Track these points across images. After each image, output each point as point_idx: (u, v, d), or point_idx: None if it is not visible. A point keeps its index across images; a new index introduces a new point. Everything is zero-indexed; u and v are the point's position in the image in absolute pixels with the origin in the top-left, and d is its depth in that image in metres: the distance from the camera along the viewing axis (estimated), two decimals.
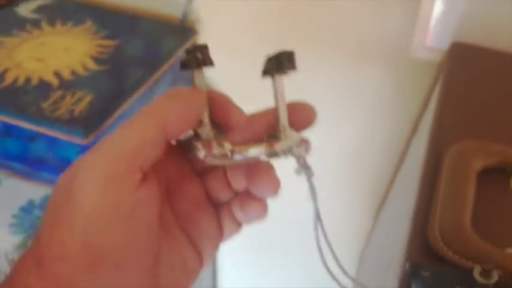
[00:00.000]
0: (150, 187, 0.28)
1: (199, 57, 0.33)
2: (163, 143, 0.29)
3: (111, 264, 0.26)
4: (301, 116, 0.33)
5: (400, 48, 0.82)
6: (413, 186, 0.66)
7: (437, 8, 0.77)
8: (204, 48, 0.34)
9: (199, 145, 0.31)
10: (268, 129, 0.32)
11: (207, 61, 0.34)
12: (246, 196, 0.33)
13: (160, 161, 0.30)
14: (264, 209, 0.33)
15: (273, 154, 0.32)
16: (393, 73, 0.86)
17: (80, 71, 0.82)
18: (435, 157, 0.54)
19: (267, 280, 1.40)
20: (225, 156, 0.31)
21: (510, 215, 0.49)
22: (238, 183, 0.33)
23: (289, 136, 0.32)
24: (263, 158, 0.32)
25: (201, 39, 0.95)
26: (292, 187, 0.40)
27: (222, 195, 0.34)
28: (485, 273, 0.32)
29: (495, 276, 0.32)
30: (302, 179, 0.37)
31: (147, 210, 0.28)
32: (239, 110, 0.32)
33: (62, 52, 0.88)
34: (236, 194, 0.34)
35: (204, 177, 0.34)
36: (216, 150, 0.31)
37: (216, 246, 0.34)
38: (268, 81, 1.08)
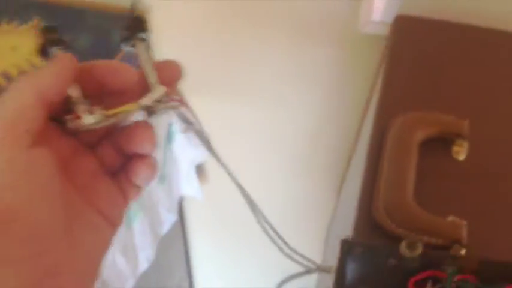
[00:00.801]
0: (42, 150, 0.30)
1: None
2: (43, 105, 0.30)
3: (23, 221, 0.28)
4: (167, 72, 0.34)
5: (348, 25, 0.82)
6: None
7: None
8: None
9: (70, 116, 0.33)
10: (143, 92, 0.34)
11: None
12: (133, 158, 0.35)
13: (52, 140, 0.32)
14: (150, 167, 0.35)
15: (145, 108, 0.33)
16: (343, 50, 0.86)
17: (28, 69, 0.81)
18: (380, 131, 0.55)
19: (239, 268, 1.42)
20: (97, 121, 0.33)
21: (452, 183, 0.50)
22: (125, 147, 0.35)
23: (156, 88, 0.33)
24: (142, 117, 0.34)
25: (152, 28, 0.94)
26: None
27: (115, 162, 0.35)
28: (411, 246, 0.33)
29: (419, 249, 0.33)
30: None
31: (43, 165, 0.29)
32: (127, 69, 0.33)
33: (8, 52, 0.85)
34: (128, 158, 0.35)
35: (96, 149, 0.35)
36: (86, 117, 0.33)
37: (122, 210, 0.36)
38: (218, 61, 1.06)
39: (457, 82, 0.62)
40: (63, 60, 0.33)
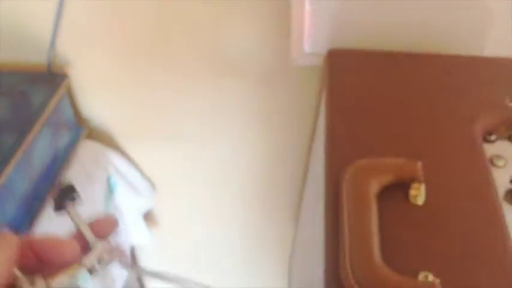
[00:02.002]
0: None
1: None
2: None
3: None
4: (102, 226, 0.37)
5: (279, 58, 0.80)
6: (319, 199, 0.65)
7: (308, 12, 0.75)
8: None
9: None
10: (83, 250, 0.36)
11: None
12: None
13: None
14: None
15: (90, 270, 0.36)
16: (278, 84, 0.84)
17: None
18: (334, 182, 0.53)
19: None
20: None
21: (415, 232, 0.49)
22: None
23: (96, 247, 0.36)
24: (86, 277, 0.38)
25: (73, 81, 0.88)
26: None
27: None
28: None
29: None
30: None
31: None
32: (69, 244, 0.35)
33: None
34: None
35: None
36: None
37: None
38: (151, 113, 1.01)
39: (402, 114, 0.61)
40: (8, 245, 0.32)
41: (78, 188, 0.95)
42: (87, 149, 0.94)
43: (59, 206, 0.38)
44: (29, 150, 0.78)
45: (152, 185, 1.06)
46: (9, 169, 0.72)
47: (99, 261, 0.36)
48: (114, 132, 0.98)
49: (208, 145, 0.97)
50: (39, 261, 0.34)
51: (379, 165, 0.51)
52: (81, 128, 0.94)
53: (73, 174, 0.89)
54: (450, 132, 0.59)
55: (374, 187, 0.49)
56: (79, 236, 0.36)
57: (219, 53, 0.83)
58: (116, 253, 0.37)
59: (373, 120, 0.60)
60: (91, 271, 0.36)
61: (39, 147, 0.81)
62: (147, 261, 1.22)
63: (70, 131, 0.91)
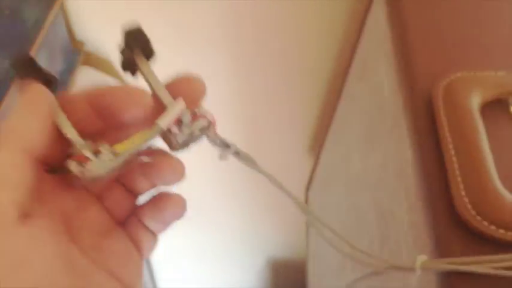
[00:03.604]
0: (37, 224, 0.24)
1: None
2: (32, 164, 0.24)
3: None
4: (185, 89, 0.27)
5: None
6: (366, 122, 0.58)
7: None
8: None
9: (71, 163, 0.26)
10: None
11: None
12: (156, 198, 0.30)
13: (48, 195, 0.26)
14: (182, 203, 0.29)
15: (169, 138, 0.27)
16: None
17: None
18: (419, 98, 0.46)
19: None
20: (109, 161, 0.26)
21: None
22: (140, 185, 0.30)
23: (173, 105, 0.27)
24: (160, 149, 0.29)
25: None
26: None
27: (125, 208, 0.30)
28: None
29: None
30: None
31: (37, 248, 0.23)
32: (139, 92, 0.26)
33: None
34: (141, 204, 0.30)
35: (103, 196, 0.30)
36: (94, 160, 0.26)
37: (139, 268, 0.30)
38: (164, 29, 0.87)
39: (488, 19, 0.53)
40: (39, 98, 0.25)
41: None
42: (84, 77, 0.83)
43: (129, 58, 0.27)
44: None
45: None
46: (4, 102, 0.62)
47: (180, 127, 0.27)
48: (111, 58, 0.87)
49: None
50: (101, 119, 0.27)
51: (481, 78, 0.44)
52: (77, 53, 0.83)
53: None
54: None
55: (475, 102, 0.43)
56: (153, 98, 0.27)
57: None
58: (202, 116, 0.27)
59: (456, 24, 0.51)
60: (170, 141, 0.27)
61: None
62: None
63: (65, 55, 0.80)
